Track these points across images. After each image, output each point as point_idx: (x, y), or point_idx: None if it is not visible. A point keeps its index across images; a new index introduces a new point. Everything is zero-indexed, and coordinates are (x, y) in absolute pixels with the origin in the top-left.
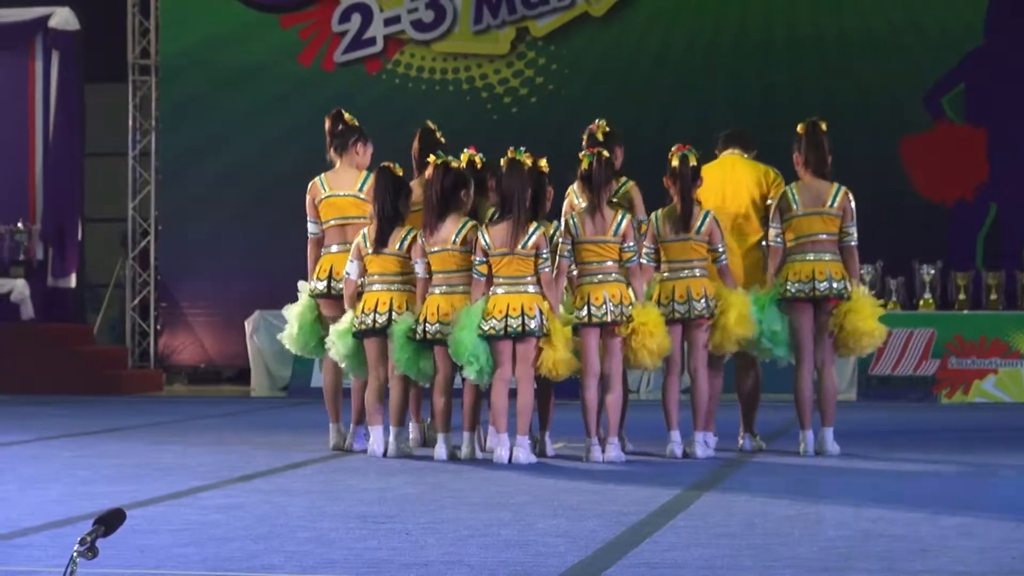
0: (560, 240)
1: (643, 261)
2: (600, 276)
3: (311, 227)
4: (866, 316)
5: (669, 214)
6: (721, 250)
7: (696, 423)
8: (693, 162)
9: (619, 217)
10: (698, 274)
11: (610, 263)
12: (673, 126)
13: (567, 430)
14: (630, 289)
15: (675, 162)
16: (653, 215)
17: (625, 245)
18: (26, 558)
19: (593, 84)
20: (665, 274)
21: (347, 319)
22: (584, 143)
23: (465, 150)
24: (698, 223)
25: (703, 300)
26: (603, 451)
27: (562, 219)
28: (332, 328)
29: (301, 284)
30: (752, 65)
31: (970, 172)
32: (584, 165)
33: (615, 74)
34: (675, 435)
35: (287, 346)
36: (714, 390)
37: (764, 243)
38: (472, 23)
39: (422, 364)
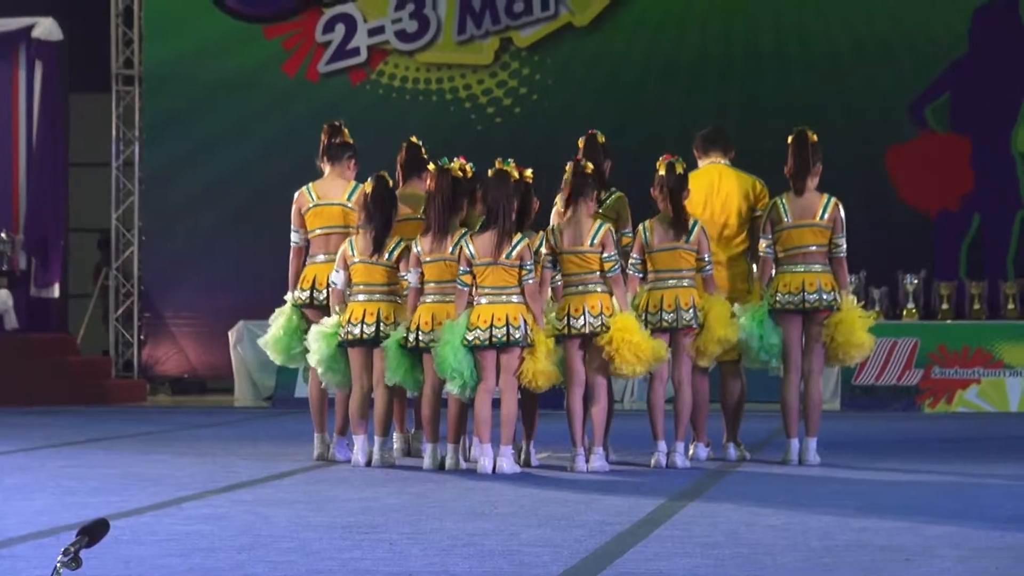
0: (544, 251)
1: (629, 272)
2: (581, 287)
3: (294, 236)
4: (856, 328)
5: (660, 223)
6: (708, 259)
7: (678, 433)
8: (679, 170)
9: (596, 227)
10: (686, 284)
11: (591, 274)
12: (657, 136)
13: (551, 440)
14: (613, 299)
15: (662, 171)
16: (641, 225)
17: (605, 255)
18: (9, 569)
19: (577, 94)
20: (653, 283)
21: (331, 322)
22: (581, 149)
23: (455, 159)
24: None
25: (691, 310)
26: (587, 461)
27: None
28: (314, 328)
29: (288, 297)
30: (737, 74)
31: (954, 182)
32: (566, 174)
33: (599, 84)
34: (661, 445)
35: (267, 352)
36: (702, 398)
37: (749, 254)
38: (456, 33)
39: (416, 374)
